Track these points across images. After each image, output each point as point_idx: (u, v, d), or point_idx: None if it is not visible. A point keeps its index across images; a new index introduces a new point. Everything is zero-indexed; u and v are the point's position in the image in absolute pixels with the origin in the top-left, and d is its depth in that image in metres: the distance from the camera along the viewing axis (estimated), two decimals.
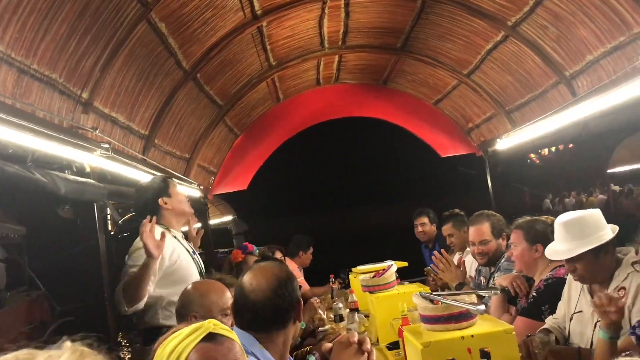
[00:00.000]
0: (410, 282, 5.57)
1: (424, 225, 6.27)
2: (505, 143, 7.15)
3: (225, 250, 8.51)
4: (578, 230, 2.83)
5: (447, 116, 8.30)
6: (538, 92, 5.93)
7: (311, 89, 8.20)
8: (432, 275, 5.02)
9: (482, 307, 2.61)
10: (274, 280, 2.11)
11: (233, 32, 5.58)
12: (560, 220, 2.93)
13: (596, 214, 2.89)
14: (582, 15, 4.59)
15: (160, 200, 3.59)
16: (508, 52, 5.81)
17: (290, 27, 6.14)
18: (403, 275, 6.03)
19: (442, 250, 4.57)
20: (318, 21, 6.19)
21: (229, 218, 10.98)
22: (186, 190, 6.71)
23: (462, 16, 5.66)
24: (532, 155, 7.24)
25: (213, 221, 10.60)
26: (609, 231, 2.82)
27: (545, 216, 3.64)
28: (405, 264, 6.10)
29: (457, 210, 5.50)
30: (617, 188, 15.57)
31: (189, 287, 2.75)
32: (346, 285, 6.19)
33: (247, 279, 2.17)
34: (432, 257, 4.49)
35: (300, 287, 2.30)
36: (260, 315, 2.08)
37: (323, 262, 7.08)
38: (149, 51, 4.65)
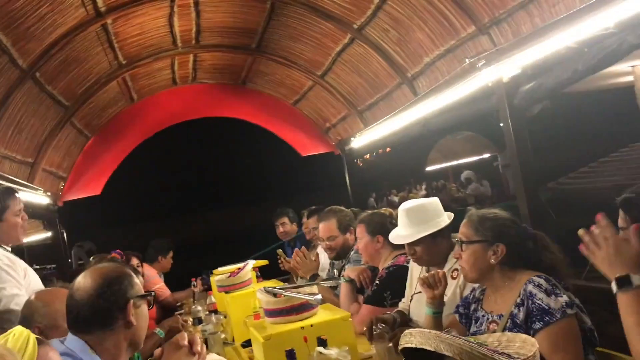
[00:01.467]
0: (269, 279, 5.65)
1: (285, 225, 6.37)
2: (359, 142, 7.45)
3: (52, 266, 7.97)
4: (418, 216, 3.04)
5: (305, 116, 8.48)
6: (384, 92, 6.25)
7: (167, 88, 7.99)
8: (282, 258, 5.20)
9: (319, 296, 2.72)
10: (99, 279, 2.04)
11: (75, 29, 5.30)
12: (403, 207, 3.13)
13: (435, 202, 3.13)
14: (418, 20, 4.92)
15: None
16: (356, 54, 6.07)
17: (138, 24, 5.94)
18: (267, 275, 6.10)
19: (303, 247, 4.69)
20: (168, 19, 6.06)
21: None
22: (31, 197, 6.27)
23: (310, 18, 5.82)
24: (359, 159, 7.78)
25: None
26: (446, 218, 3.06)
27: (384, 208, 3.87)
28: (265, 262, 6.16)
29: (320, 207, 5.67)
30: (434, 184, 18.11)
31: (32, 297, 2.57)
32: (209, 286, 6.15)
33: (77, 279, 2.09)
34: (294, 253, 4.60)
35: (152, 293, 2.22)
36: (81, 315, 2.00)
37: (186, 266, 6.95)
38: None
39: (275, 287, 3.03)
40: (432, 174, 17.03)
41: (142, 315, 2.10)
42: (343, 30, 5.79)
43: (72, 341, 1.99)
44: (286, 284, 3.97)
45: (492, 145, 14.63)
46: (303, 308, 2.79)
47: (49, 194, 6.99)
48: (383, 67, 5.86)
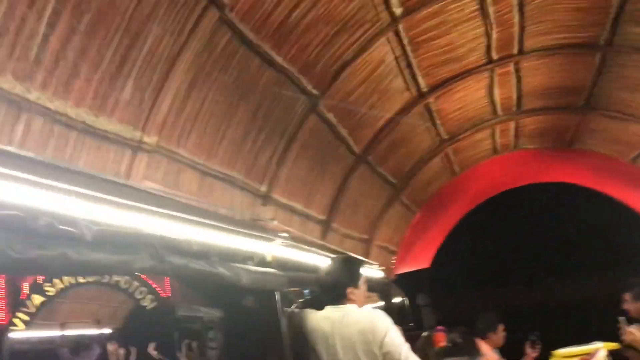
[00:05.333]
0: None
1: (627, 303, 5.47)
2: None
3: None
4: None
5: None
6: None
7: (488, 158, 7.89)
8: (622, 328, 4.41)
9: None
10: None
11: (400, 112, 5.63)
12: None
13: None
14: None
15: (348, 290, 3.56)
16: None
17: (459, 99, 6.04)
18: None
19: None
20: (488, 90, 6.02)
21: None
22: (367, 272, 6.70)
23: None
24: None
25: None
26: None
27: None
28: (616, 345, 5.37)
29: None
30: None
31: None
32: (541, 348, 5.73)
33: None
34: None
35: None
36: None
37: (517, 342, 6.50)
38: (321, 140, 4.85)
39: None
40: None
41: None
42: None
43: None
44: None
45: None
46: None
47: (383, 268, 7.41)
48: None
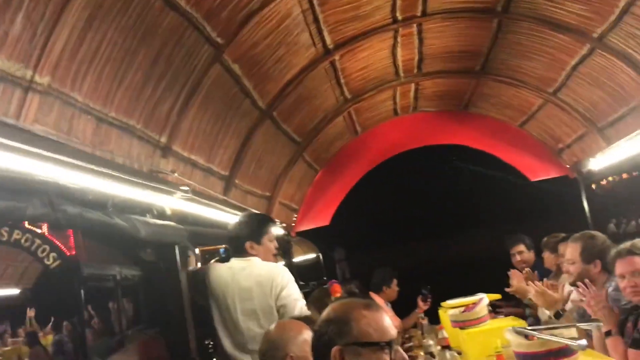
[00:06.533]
0: (505, 316, 5.26)
1: (522, 254, 5.89)
2: (600, 162, 6.67)
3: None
4: None
5: (534, 138, 7.90)
6: (631, 105, 5.51)
7: (389, 119, 8.09)
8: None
9: (584, 342, 2.36)
10: (322, 318, 1.97)
11: (307, 68, 5.60)
12: None
13: None
14: None
15: (247, 244, 3.60)
16: (596, 65, 5.46)
17: (363, 58, 6.09)
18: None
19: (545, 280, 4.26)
20: (391, 50, 6.12)
21: (311, 255, 11.09)
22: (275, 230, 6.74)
23: (541, 32, 5.40)
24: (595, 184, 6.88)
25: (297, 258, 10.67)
26: None
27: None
28: (498, 296, 5.77)
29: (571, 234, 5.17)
30: None
31: (284, 324, 2.67)
32: (432, 301, 6.15)
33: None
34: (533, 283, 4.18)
35: (380, 343, 2.02)
36: (312, 353, 1.96)
37: (407, 295, 6.83)
38: (225, 93, 4.73)
39: (525, 328, 2.73)
40: None
41: None
42: (580, 41, 5.25)
43: None
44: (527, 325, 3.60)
45: None
46: (562, 354, 2.45)
47: (284, 225, 7.47)
48: (631, 78, 5.16)
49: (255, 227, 3.68)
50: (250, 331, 3.35)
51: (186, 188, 4.10)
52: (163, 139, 4.04)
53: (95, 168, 2.93)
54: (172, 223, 3.94)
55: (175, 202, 4.01)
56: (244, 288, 3.47)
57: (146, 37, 3.33)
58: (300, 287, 3.76)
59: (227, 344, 3.44)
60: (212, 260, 5.16)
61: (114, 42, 3.10)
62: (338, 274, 11.62)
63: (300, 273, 9.65)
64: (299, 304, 3.35)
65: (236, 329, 3.41)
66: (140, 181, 3.46)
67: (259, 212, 5.56)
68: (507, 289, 4.96)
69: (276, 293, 3.42)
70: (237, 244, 3.63)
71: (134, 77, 3.40)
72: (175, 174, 4.09)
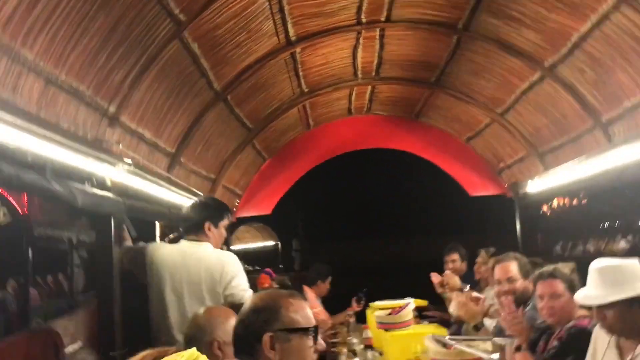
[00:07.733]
0: (430, 322, 5.44)
1: (455, 262, 6.10)
2: (537, 186, 6.96)
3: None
4: (613, 277, 2.70)
5: (478, 154, 8.15)
6: (573, 135, 5.77)
7: (342, 117, 8.16)
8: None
9: (496, 356, 2.50)
10: (248, 306, 2.04)
11: (266, 56, 5.60)
12: (596, 265, 2.81)
13: (636, 264, 2.77)
14: (622, 61, 4.46)
15: (205, 225, 3.65)
16: (543, 93, 5.69)
17: (324, 55, 6.14)
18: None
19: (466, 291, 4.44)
20: (352, 51, 6.18)
21: (270, 243, 11.23)
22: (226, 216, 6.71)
23: (498, 54, 5.57)
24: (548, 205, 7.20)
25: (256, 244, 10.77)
26: None
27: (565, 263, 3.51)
28: (424, 302, 5.95)
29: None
30: None
31: (212, 310, 2.71)
32: (366, 304, 6.33)
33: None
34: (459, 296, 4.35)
35: (309, 329, 2.08)
36: (234, 338, 2.03)
37: (343, 293, 6.96)
38: (181, 70, 4.68)
39: (444, 337, 2.86)
40: None
41: (292, 350, 1.95)
42: (532, 68, 5.45)
43: None
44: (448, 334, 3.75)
45: None
46: None
47: None
48: (574, 109, 5.40)
49: (217, 210, 3.81)
50: None
51: (129, 161, 4.06)
52: (112, 109, 3.97)
53: (38, 130, 2.87)
54: (110, 194, 3.88)
55: (117, 174, 3.95)
56: (193, 272, 3.48)
57: (106, 3, 3.26)
58: (249, 273, 3.88)
59: (167, 323, 3.45)
60: (170, 236, 5.15)
61: (72, 3, 3.02)
62: (295, 263, 11.92)
63: (258, 259, 9.72)
64: (246, 295, 3.39)
65: (180, 311, 3.42)
66: (83, 148, 3.41)
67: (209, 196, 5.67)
68: (437, 283, 5.19)
69: (226, 281, 3.45)
70: (194, 223, 3.68)
71: (89, 42, 3.33)
72: (120, 146, 4.03)
